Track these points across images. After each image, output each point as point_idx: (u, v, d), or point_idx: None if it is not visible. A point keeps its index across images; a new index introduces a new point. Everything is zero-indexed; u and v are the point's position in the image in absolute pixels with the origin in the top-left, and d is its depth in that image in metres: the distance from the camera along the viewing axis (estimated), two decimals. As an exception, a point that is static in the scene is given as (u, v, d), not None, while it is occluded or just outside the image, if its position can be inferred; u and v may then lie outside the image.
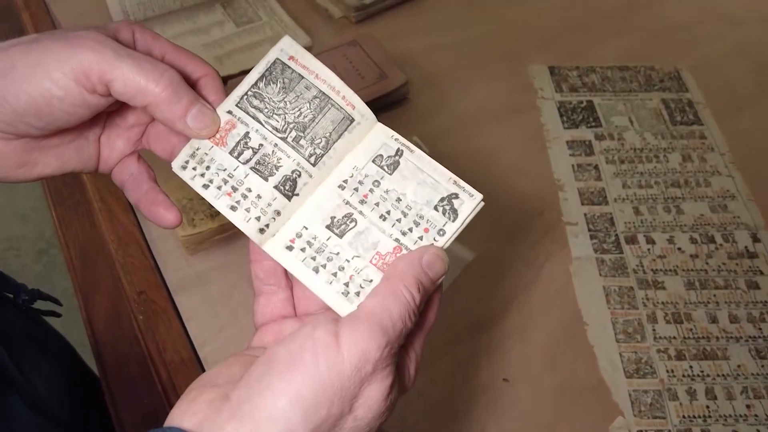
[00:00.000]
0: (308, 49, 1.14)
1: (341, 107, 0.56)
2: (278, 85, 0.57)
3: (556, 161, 1.04)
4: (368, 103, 0.57)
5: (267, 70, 0.57)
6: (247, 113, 0.56)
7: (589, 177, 1.02)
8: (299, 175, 0.55)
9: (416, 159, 0.55)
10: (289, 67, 0.57)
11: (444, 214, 0.54)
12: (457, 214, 0.53)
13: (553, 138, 1.07)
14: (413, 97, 1.11)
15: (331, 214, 0.55)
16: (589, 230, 0.96)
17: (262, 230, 0.54)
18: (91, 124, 0.59)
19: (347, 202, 0.55)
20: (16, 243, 2.35)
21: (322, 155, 0.56)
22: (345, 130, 0.56)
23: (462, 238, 0.54)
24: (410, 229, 0.53)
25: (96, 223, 0.99)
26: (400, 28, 1.23)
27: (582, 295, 0.90)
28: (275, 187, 0.55)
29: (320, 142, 0.56)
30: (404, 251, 0.53)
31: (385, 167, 0.56)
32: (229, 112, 0.56)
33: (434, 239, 0.53)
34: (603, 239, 0.95)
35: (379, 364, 0.46)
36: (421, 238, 0.53)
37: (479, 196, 0.54)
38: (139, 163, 0.61)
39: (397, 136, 0.57)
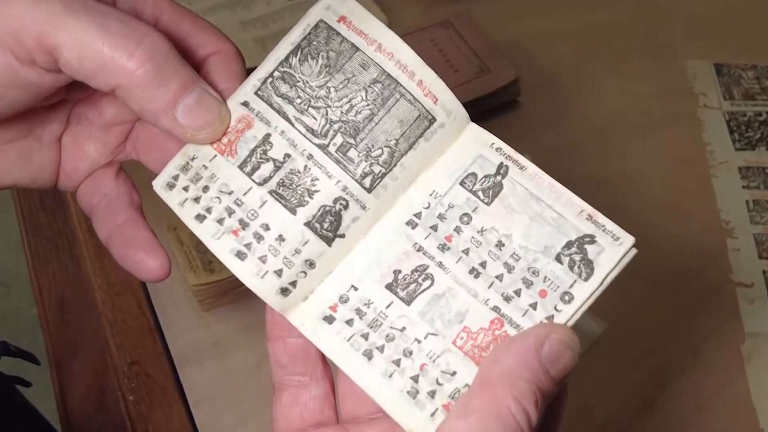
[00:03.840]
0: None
1: (416, 99, 0.51)
2: (319, 61, 0.51)
3: (723, 195, 1.01)
4: (464, 107, 0.52)
5: (304, 38, 0.52)
6: (271, 106, 0.51)
7: (771, 219, 1.00)
8: (346, 206, 0.50)
9: (529, 180, 0.50)
10: (337, 33, 0.52)
11: (572, 268, 0.48)
12: (592, 269, 0.47)
13: (719, 162, 1.04)
14: (524, 100, 1.09)
15: (394, 266, 0.50)
16: (771, 295, 0.94)
17: (285, 290, 0.49)
18: (46, 116, 0.54)
19: (420, 249, 0.50)
20: (7, 280, 2.40)
21: (383, 175, 0.50)
22: (420, 135, 0.51)
23: (588, 301, 0.49)
24: (517, 292, 0.48)
25: (80, 263, 0.98)
26: (509, 7, 1.21)
27: (758, 389, 0.86)
28: (307, 223, 0.50)
29: (380, 155, 0.50)
30: (508, 327, 0.47)
31: (481, 193, 0.50)
32: (245, 104, 0.52)
33: (555, 309, 0.47)
34: (790, 308, 0.92)
35: None
36: (534, 306, 0.47)
37: (629, 239, 0.48)
38: (118, 181, 0.56)
39: (499, 144, 0.51)
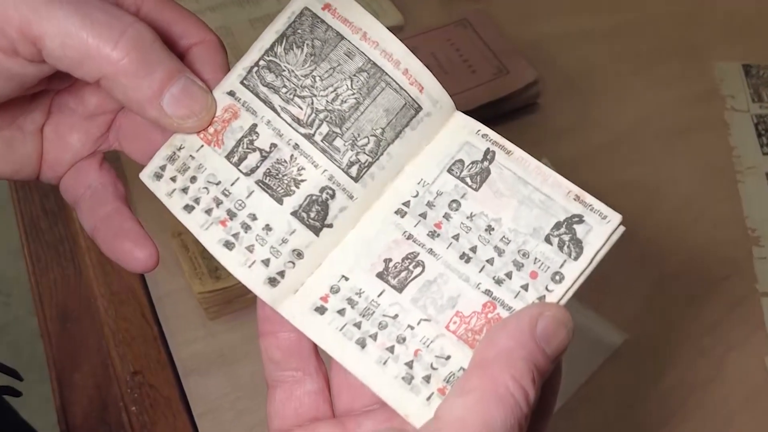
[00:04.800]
0: (399, 29, 1.08)
1: (402, 87, 0.52)
2: (305, 50, 0.52)
3: (750, 202, 1.01)
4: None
5: (289, 26, 0.52)
6: (257, 95, 0.52)
7: (800, 228, 0.98)
8: (332, 196, 0.51)
9: (516, 164, 0.51)
10: (322, 21, 0.52)
11: (561, 248, 0.49)
12: (582, 248, 0.48)
13: (746, 168, 1.04)
14: (545, 103, 1.09)
15: (384, 255, 0.50)
16: (798, 306, 0.92)
17: (273, 281, 0.50)
18: (27, 106, 0.55)
19: (409, 236, 0.50)
20: (6, 287, 2.35)
21: (370, 164, 0.51)
22: (407, 124, 0.52)
23: (607, 311, 0.51)
24: (508, 275, 0.49)
25: (82, 270, 0.97)
26: (529, 6, 1.22)
27: (786, 404, 0.85)
28: (294, 213, 0.50)
29: (366, 144, 0.51)
30: (500, 309, 0.48)
31: (469, 179, 0.51)
32: (231, 93, 0.52)
33: (546, 289, 0.48)
34: (819, 320, 0.91)
35: None
36: (525, 287, 0.48)
37: (617, 217, 0.49)
38: (101, 172, 0.56)
39: (485, 130, 0.52)
